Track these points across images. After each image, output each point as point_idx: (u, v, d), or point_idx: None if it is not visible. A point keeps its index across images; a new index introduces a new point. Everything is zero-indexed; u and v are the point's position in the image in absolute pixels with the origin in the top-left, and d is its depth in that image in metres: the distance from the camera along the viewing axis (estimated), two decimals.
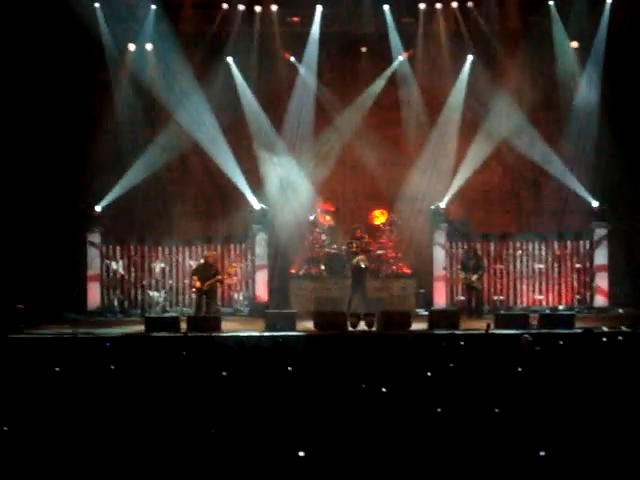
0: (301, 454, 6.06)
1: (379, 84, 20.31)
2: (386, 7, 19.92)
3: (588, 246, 19.63)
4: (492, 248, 20.12)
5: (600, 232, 19.43)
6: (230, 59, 20.16)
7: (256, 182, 20.15)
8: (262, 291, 19.67)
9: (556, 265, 19.92)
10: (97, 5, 19.44)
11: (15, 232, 18.92)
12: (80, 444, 6.47)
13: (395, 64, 20.33)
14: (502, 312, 18.43)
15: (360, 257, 18.57)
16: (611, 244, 19.51)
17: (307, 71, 20.24)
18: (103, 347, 12.69)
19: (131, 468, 6.10)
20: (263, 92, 20.35)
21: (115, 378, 9.31)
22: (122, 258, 19.90)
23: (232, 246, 20.10)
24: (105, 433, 6.75)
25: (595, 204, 19.50)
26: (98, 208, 19.42)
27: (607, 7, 19.49)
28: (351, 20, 20.24)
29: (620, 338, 12.91)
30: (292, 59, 20.39)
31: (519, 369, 9.46)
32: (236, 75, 20.17)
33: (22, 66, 18.93)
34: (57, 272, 19.39)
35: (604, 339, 12.47)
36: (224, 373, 9.02)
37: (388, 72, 20.34)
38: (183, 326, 16.35)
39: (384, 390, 8.01)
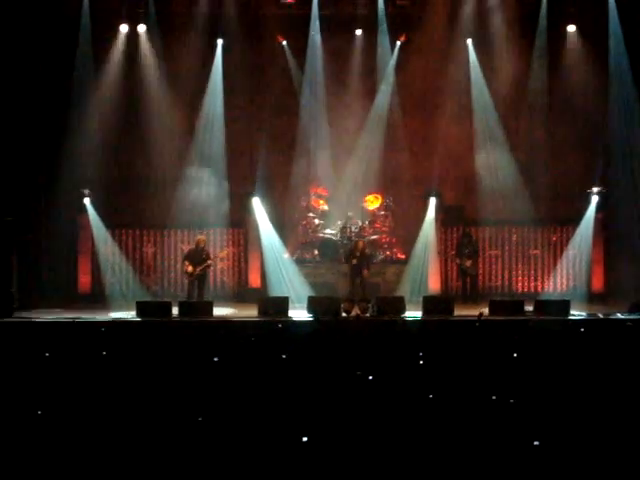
0: (304, 440, 6.00)
1: (389, 76, 20.13)
2: None
3: (583, 232, 19.51)
4: (487, 234, 20.02)
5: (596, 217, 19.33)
6: (220, 41, 19.95)
7: (249, 166, 20.03)
8: (255, 276, 19.58)
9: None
10: None
11: (6, 216, 18.73)
12: (72, 431, 6.38)
13: (396, 51, 20.16)
14: (496, 298, 18.26)
15: (359, 242, 18.48)
16: (608, 229, 19.47)
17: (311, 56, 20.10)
18: (97, 332, 12.64)
19: (125, 456, 6.02)
20: (255, 74, 20.19)
21: (108, 363, 9.23)
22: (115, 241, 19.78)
23: (225, 230, 19.95)
24: (98, 419, 6.66)
25: (591, 189, 19.35)
26: (88, 191, 19.24)
27: None
28: (346, 3, 20.08)
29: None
30: (284, 43, 20.21)
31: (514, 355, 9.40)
32: (217, 58, 19.98)
33: (8, 48, 18.72)
34: (49, 255, 19.25)
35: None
36: (216, 359, 8.94)
37: (392, 60, 20.17)
38: (175, 311, 16.29)
39: (371, 378, 7.93)
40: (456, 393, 7.38)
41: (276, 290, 18.68)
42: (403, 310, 16.33)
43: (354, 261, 18.23)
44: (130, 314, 16.54)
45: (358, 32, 20.33)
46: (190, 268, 17.74)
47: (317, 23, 20.01)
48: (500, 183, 19.83)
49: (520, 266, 20.01)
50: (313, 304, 16.56)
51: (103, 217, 19.51)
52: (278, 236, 19.44)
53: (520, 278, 20.00)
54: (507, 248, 20.11)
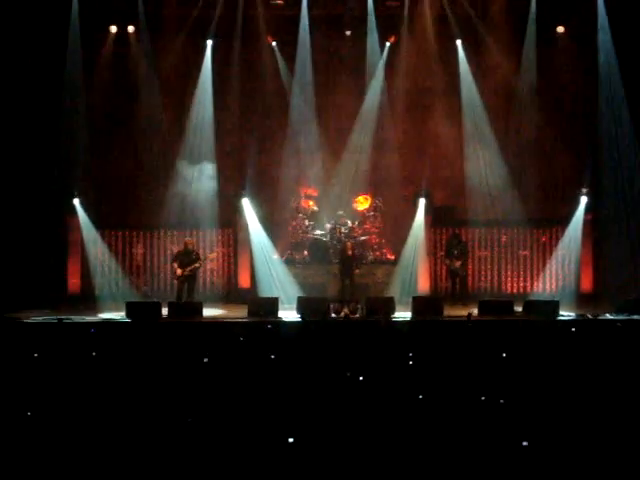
0: (290, 440, 6.00)
1: (379, 76, 20.14)
2: None
3: (572, 233, 19.54)
4: (476, 235, 20.04)
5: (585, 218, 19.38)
6: (210, 43, 19.92)
7: (239, 167, 20.01)
8: (245, 277, 19.56)
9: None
10: None
11: None
12: (62, 432, 6.36)
13: (385, 51, 20.17)
14: (485, 299, 18.27)
15: (348, 243, 18.52)
16: (597, 230, 19.52)
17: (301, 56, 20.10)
18: (86, 333, 12.62)
19: (114, 456, 6.01)
20: (245, 75, 20.18)
21: (98, 364, 9.22)
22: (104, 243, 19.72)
23: (214, 231, 19.91)
24: (87, 419, 6.65)
25: (580, 190, 19.39)
26: (77, 192, 19.19)
27: None
28: (336, 3, 20.08)
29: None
30: (273, 44, 20.20)
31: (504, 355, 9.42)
32: (207, 59, 19.94)
33: None
34: (38, 256, 19.16)
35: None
36: (205, 359, 8.93)
37: (382, 61, 20.17)
38: (164, 312, 16.27)
39: (361, 379, 7.94)
40: (445, 393, 7.39)
41: (266, 291, 18.66)
42: (393, 311, 16.34)
43: (344, 260, 18.25)
44: (119, 315, 16.51)
45: (348, 32, 20.32)
46: (179, 270, 17.72)
47: (307, 24, 20.00)
48: (489, 184, 19.85)
49: (509, 267, 20.03)
50: (302, 305, 16.56)
51: (93, 218, 19.45)
52: (268, 237, 19.40)
53: (509, 279, 20.02)
54: (496, 249, 20.13)
